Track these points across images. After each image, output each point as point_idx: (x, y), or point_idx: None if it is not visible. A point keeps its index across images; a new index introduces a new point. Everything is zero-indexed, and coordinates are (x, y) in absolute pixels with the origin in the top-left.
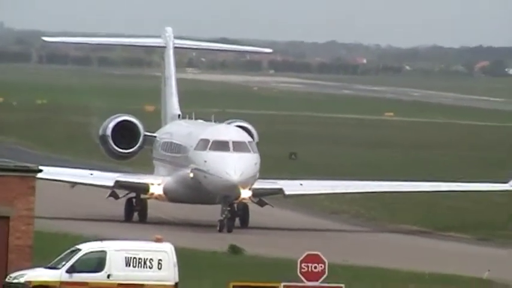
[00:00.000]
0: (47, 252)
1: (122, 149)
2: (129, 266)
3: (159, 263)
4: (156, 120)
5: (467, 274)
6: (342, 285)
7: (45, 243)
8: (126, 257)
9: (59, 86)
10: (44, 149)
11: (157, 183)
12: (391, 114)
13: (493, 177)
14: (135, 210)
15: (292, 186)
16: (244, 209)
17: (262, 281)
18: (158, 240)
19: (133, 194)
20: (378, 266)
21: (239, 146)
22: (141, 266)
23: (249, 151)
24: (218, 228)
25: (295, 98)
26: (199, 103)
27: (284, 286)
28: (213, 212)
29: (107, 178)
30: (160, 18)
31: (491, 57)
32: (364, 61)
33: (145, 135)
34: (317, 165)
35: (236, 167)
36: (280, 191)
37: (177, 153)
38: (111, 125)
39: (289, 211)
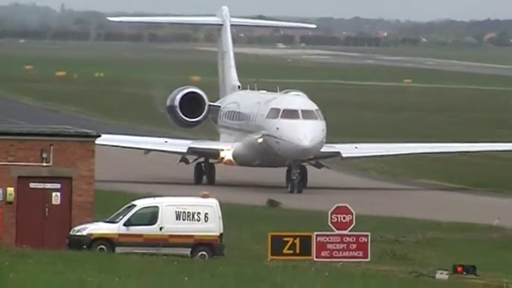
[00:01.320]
0: (107, 208)
1: (189, 118)
2: (179, 219)
3: (205, 216)
4: (204, 89)
5: (480, 222)
6: (368, 233)
7: (106, 201)
8: (176, 211)
9: (114, 61)
10: (102, 116)
11: (227, 149)
12: (410, 81)
13: (500, 137)
14: (204, 174)
15: (348, 150)
16: (302, 170)
17: (298, 231)
18: (205, 196)
19: (202, 159)
20: (401, 216)
21: (307, 114)
22: (189, 219)
23: (316, 118)
24: (289, 189)
25: (324, 67)
26: (242, 74)
27: (316, 235)
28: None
29: (181, 145)
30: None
31: (498, 29)
32: (385, 34)
33: (209, 105)
34: (346, 128)
35: (306, 133)
36: (337, 154)
37: (245, 121)
38: (179, 96)
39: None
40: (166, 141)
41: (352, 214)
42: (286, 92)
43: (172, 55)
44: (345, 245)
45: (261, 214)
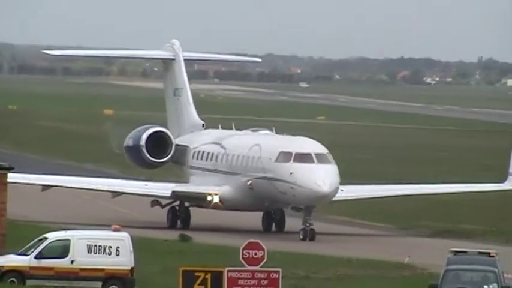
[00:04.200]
0: (19, 240)
1: (155, 158)
2: (91, 252)
3: (117, 250)
4: (115, 123)
5: (391, 259)
6: (279, 269)
7: (19, 232)
8: (87, 245)
9: (28, 93)
10: (15, 149)
11: (214, 193)
12: (323, 118)
13: (410, 176)
14: (179, 218)
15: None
16: (281, 214)
17: (209, 266)
18: (116, 230)
19: (177, 202)
20: (313, 252)
21: (321, 158)
22: (101, 253)
23: (330, 162)
24: (301, 236)
25: (237, 103)
26: (154, 108)
27: (228, 270)
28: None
29: (163, 188)
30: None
31: (411, 67)
32: (299, 71)
33: (177, 144)
34: None
35: (324, 178)
36: None
37: (236, 163)
38: (145, 135)
39: None
40: (146, 185)
41: (264, 250)
42: (254, 130)
43: (85, 88)
44: (256, 280)
45: (173, 248)
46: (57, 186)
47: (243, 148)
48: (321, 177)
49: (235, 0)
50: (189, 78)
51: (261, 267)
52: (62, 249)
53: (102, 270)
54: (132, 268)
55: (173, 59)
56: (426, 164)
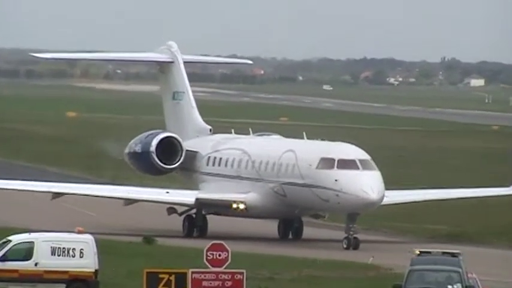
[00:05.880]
0: None
1: (165, 164)
2: (55, 255)
3: (81, 252)
4: (77, 124)
5: (355, 260)
6: (244, 270)
7: None
8: (51, 247)
9: None
10: None
11: (240, 200)
12: (286, 119)
13: None
14: (196, 226)
15: None
16: (300, 222)
17: (173, 268)
18: (80, 232)
19: (193, 210)
20: (278, 253)
21: (365, 164)
22: (65, 255)
23: (374, 168)
24: (345, 245)
25: (199, 105)
26: (117, 110)
27: (192, 272)
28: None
29: (187, 196)
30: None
31: (374, 68)
32: (262, 72)
33: (187, 150)
34: None
35: (372, 185)
36: None
37: (260, 169)
38: (155, 141)
39: None
40: (167, 192)
41: (228, 251)
42: (261, 135)
43: (48, 91)
44: (221, 282)
45: (137, 250)
46: (70, 194)
47: (271, 154)
48: (368, 184)
49: (197, 2)
50: (151, 80)
51: (225, 268)
52: (26, 252)
53: (66, 272)
54: (96, 270)
55: (171, 62)
56: (389, 165)
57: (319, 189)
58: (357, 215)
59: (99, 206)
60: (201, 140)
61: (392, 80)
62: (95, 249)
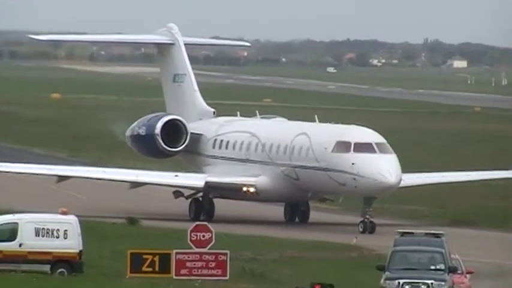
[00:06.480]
0: None
1: (170, 147)
2: (39, 235)
3: (65, 233)
4: (61, 106)
5: (339, 241)
6: (227, 251)
7: None
8: (35, 228)
9: None
10: None
11: (250, 183)
12: (269, 100)
13: None
14: (203, 210)
15: None
16: (307, 205)
17: (157, 249)
18: (64, 213)
19: (200, 194)
20: (260, 234)
21: (382, 148)
22: (49, 236)
23: (391, 152)
24: (361, 229)
25: None
26: (102, 92)
27: (176, 252)
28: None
29: (196, 179)
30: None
31: (357, 50)
32: (245, 54)
33: (191, 133)
34: None
35: (389, 169)
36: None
37: (271, 153)
38: (159, 124)
39: None
40: (176, 175)
41: (211, 232)
42: (267, 118)
43: (32, 72)
44: (204, 263)
45: (121, 231)
46: (75, 177)
47: (283, 137)
48: (386, 167)
49: None
50: (134, 62)
51: (209, 249)
52: (10, 233)
53: (50, 253)
54: (80, 251)
55: (172, 44)
56: None
57: (335, 172)
58: (374, 199)
59: (90, 189)
60: (205, 123)
61: (375, 61)
62: (79, 230)
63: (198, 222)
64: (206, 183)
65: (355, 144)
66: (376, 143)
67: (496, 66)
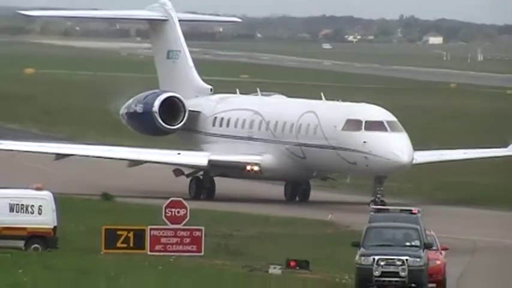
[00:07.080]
0: None
1: (168, 125)
2: (13, 211)
3: (39, 209)
4: (35, 81)
5: (314, 217)
6: (202, 227)
7: None
8: (10, 204)
9: None
10: None
11: (254, 161)
12: (247, 76)
13: None
14: (204, 189)
15: None
16: (307, 184)
17: (131, 225)
18: (38, 189)
19: (201, 172)
20: (236, 210)
21: (393, 126)
22: (23, 212)
23: (402, 130)
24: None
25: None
26: (76, 67)
27: (150, 229)
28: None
29: (199, 157)
30: None
31: (333, 26)
32: (221, 29)
33: (190, 110)
34: None
35: (402, 147)
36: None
37: (276, 131)
38: (157, 101)
39: None
40: (179, 153)
41: (186, 208)
42: (267, 95)
43: (5, 47)
44: (179, 239)
45: (95, 207)
46: (76, 155)
47: (288, 115)
48: (398, 146)
49: None
50: (109, 37)
51: (183, 225)
52: None
53: (24, 229)
54: (54, 227)
55: (165, 20)
56: None
57: (345, 151)
58: (385, 178)
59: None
60: (202, 100)
61: (351, 37)
62: (53, 206)
63: (173, 198)
64: (209, 161)
65: (366, 122)
66: (387, 121)
67: (472, 42)
